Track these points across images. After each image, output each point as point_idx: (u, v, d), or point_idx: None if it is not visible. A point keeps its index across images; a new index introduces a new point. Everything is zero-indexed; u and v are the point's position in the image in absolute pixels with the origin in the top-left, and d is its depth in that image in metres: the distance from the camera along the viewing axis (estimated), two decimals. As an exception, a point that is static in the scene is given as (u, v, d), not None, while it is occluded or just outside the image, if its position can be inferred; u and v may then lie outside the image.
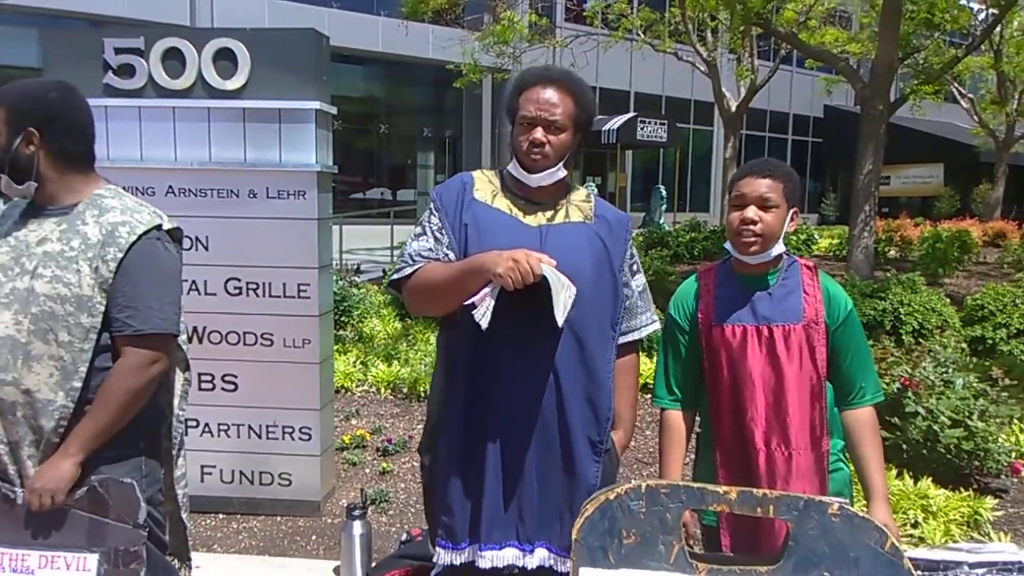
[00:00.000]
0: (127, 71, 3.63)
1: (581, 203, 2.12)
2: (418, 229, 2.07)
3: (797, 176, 2.08)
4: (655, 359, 2.41)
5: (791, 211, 2.05)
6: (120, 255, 1.85)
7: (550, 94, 1.99)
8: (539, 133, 1.98)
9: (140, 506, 1.85)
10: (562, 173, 2.06)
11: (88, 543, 1.83)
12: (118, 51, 3.62)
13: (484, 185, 2.09)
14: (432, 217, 2.06)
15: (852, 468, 2.15)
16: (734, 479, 2.08)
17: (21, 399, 1.81)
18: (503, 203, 2.06)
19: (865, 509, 2.00)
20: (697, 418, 2.24)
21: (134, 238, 1.88)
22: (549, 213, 2.06)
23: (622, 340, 2.15)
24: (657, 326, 2.21)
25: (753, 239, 1.99)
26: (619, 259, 2.11)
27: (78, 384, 1.84)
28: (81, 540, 1.84)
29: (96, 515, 1.83)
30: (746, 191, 2.01)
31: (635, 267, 2.17)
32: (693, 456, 2.35)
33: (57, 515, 1.84)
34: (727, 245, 2.10)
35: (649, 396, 5.51)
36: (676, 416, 2.20)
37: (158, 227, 1.95)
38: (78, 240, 1.85)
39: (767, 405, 2.02)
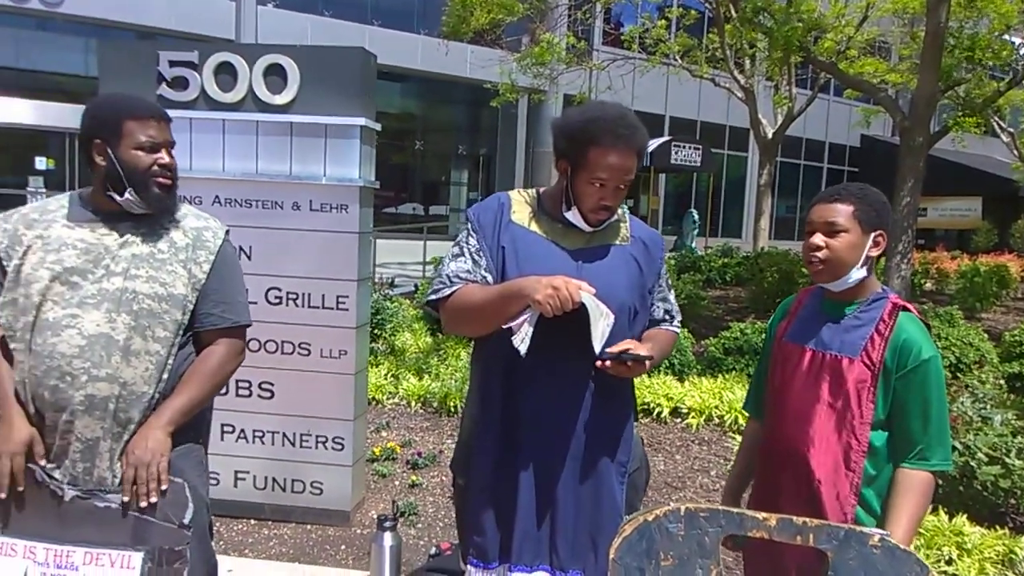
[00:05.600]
0: (180, 83, 3.73)
1: (616, 224, 2.13)
2: (455, 249, 2.08)
3: (878, 197, 1.98)
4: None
5: (873, 234, 1.96)
6: (212, 257, 2.06)
7: (626, 160, 1.96)
8: (610, 195, 2.00)
9: (188, 506, 1.89)
10: (615, 216, 2.10)
11: (133, 541, 1.87)
12: (173, 64, 3.72)
13: (521, 207, 2.10)
14: (470, 238, 2.06)
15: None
16: (765, 499, 2.09)
17: (117, 392, 1.90)
18: (540, 226, 2.07)
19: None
20: None
21: (219, 242, 2.09)
22: (586, 236, 2.07)
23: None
24: (677, 331, 2.25)
25: (818, 265, 1.98)
26: (652, 280, 2.14)
27: (166, 376, 1.97)
28: (126, 538, 1.87)
29: (143, 514, 1.87)
30: (813, 217, 2.00)
31: (668, 283, 2.23)
32: None
33: (103, 512, 1.88)
34: None
35: (679, 421, 5.53)
36: (751, 425, 2.29)
37: (227, 231, 2.15)
38: (165, 243, 2.02)
39: (796, 429, 2.01)
